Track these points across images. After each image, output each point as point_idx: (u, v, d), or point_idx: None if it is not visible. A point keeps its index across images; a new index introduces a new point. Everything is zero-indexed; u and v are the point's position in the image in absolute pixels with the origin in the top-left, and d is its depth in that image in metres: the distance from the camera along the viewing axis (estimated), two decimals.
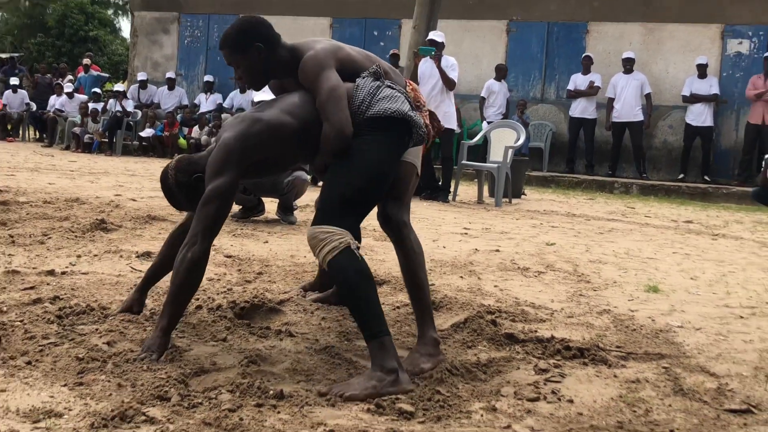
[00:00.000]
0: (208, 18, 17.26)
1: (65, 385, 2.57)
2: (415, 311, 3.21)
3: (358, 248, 2.87)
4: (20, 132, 18.00)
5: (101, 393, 2.52)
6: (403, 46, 14.28)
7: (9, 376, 2.63)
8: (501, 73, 14.04)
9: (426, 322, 3.12)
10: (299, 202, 6.94)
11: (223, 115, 15.39)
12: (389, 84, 3.13)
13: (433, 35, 9.56)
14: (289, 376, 2.80)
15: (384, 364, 2.68)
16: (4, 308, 3.38)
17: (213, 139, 3.20)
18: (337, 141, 2.96)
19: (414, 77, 9.56)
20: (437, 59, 9.30)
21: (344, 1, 16.01)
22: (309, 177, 7.21)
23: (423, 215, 7.66)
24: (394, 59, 13.62)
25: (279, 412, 2.45)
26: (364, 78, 3.11)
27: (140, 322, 3.29)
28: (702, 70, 13.26)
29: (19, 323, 3.17)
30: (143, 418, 2.34)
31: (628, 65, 13.51)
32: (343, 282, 2.83)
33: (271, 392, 2.58)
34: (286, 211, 6.75)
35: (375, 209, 3.18)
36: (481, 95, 13.97)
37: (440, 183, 9.66)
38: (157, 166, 12.97)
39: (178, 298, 2.92)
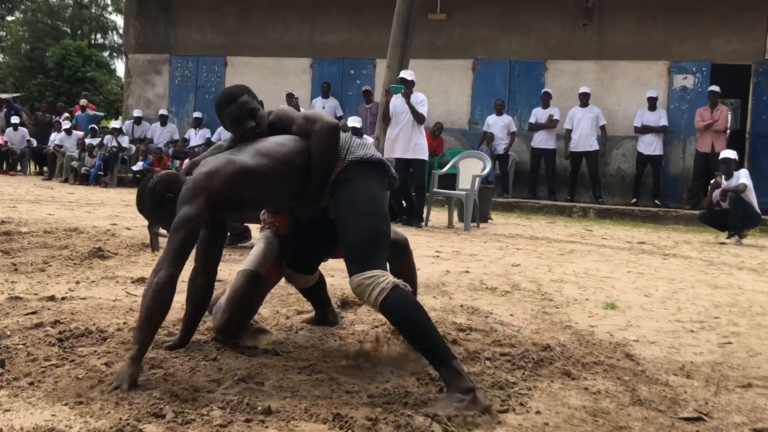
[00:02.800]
0: (197, 59, 17.28)
1: (66, 404, 2.54)
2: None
3: (405, 285, 2.80)
4: (21, 167, 17.85)
5: (100, 411, 2.48)
6: (377, 83, 14.35)
7: (13, 396, 2.58)
8: (498, 108, 14.21)
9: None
10: None
11: (211, 148, 15.35)
12: (354, 136, 3.21)
13: (403, 74, 9.62)
14: (275, 393, 2.78)
15: (461, 385, 2.62)
16: (8, 332, 3.34)
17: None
18: (330, 134, 2.97)
19: (386, 113, 9.61)
20: (407, 96, 9.36)
21: (323, 42, 16.09)
22: None
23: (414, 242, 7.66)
24: (367, 95, 13.73)
25: (267, 427, 2.43)
26: None
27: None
28: (652, 103, 13.44)
29: (22, 346, 3.13)
30: None
31: (584, 99, 13.66)
32: (401, 319, 2.76)
33: (260, 408, 2.55)
34: None
35: None
36: (483, 129, 14.16)
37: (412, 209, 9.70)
38: None
39: (147, 324, 2.77)
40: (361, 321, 3.96)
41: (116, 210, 9.87)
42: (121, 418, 2.39)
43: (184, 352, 3.22)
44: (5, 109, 18.69)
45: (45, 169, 17.41)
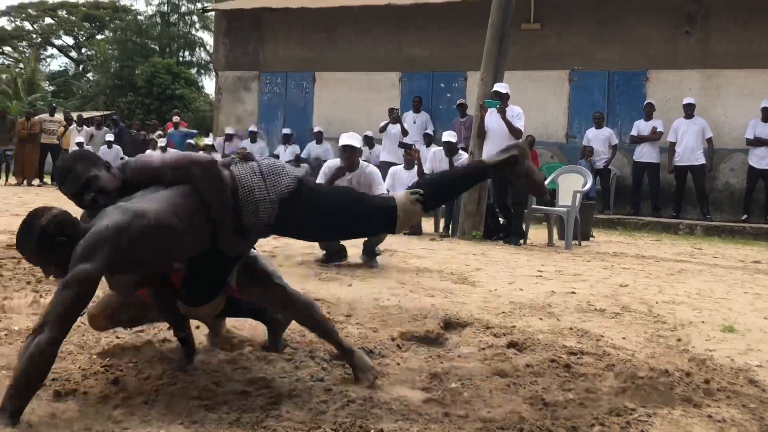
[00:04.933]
0: (285, 75, 17.63)
1: (182, 424, 2.63)
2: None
3: None
4: None
5: (215, 430, 2.56)
6: (468, 96, 14.33)
7: (129, 414, 2.69)
8: (597, 121, 14.01)
9: None
10: (382, 246, 6.97)
11: (301, 165, 15.62)
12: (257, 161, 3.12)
13: (497, 87, 9.56)
14: (386, 415, 2.80)
15: None
16: (118, 351, 3.48)
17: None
18: (214, 176, 2.90)
19: (481, 128, 9.60)
20: (502, 110, 9.32)
21: (412, 56, 16.19)
22: None
23: (496, 258, 7.63)
24: (461, 108, 13.67)
25: None
26: (237, 164, 3.06)
27: (247, 364, 3.34)
28: (766, 113, 12.96)
29: (132, 365, 3.26)
30: None
31: (689, 110, 13.29)
32: None
33: (372, 430, 2.59)
34: (370, 255, 6.74)
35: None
36: (583, 143, 13.99)
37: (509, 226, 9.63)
38: None
39: (24, 389, 2.51)
40: (467, 343, 3.96)
41: None
42: None
43: (292, 372, 3.29)
44: (104, 128, 19.46)
45: None
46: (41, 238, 2.71)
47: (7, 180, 19.92)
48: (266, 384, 3.08)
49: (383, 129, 14.11)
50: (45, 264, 2.80)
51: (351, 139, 6.73)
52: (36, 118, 19.60)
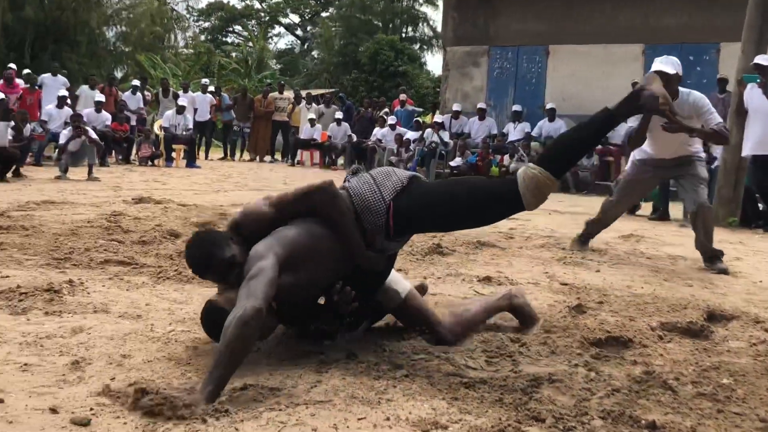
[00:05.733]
0: (517, 50, 17.56)
1: (443, 399, 2.73)
2: None
3: None
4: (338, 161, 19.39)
5: (478, 410, 2.64)
6: (721, 70, 13.60)
7: (392, 387, 2.84)
8: None
9: None
10: (626, 231, 6.77)
11: (532, 144, 15.53)
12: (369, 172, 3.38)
13: (758, 59, 8.98)
14: (655, 407, 2.76)
15: None
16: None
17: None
18: (331, 196, 3.18)
19: (740, 105, 9.08)
20: (763, 85, 8.76)
21: (658, 26, 15.56)
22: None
23: (758, 247, 7.23)
24: (721, 84, 12.86)
25: None
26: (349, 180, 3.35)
27: (510, 346, 3.41)
28: None
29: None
30: None
31: None
32: None
33: (643, 422, 2.56)
34: (710, 260, 5.89)
35: None
36: None
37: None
38: None
39: (226, 361, 2.62)
40: (736, 337, 3.80)
41: None
42: (500, 419, 2.53)
43: (548, 353, 3.32)
44: (333, 106, 20.36)
45: (363, 164, 18.71)
46: (221, 265, 3.08)
47: (241, 156, 21.36)
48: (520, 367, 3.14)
49: None
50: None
51: (665, 64, 5.73)
52: (270, 96, 20.82)
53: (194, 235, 3.30)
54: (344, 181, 3.36)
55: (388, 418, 2.51)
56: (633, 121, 5.75)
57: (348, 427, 2.42)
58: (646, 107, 3.32)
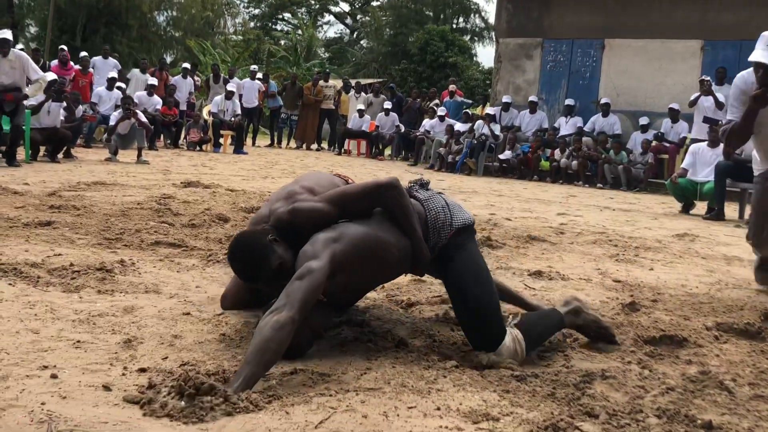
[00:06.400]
0: (571, 43, 17.39)
1: (494, 392, 2.73)
2: None
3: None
4: (386, 152, 19.38)
5: (530, 403, 2.63)
6: None
7: (442, 377, 2.84)
8: None
9: None
10: (681, 230, 6.69)
11: (584, 139, 15.38)
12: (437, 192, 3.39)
13: None
14: (710, 407, 2.73)
15: None
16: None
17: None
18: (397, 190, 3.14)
19: None
20: None
21: (718, 22, 15.29)
22: None
23: None
24: None
25: None
26: (418, 191, 3.36)
27: (562, 342, 3.39)
28: None
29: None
30: (577, 431, 2.41)
31: None
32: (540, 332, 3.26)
33: (699, 422, 2.53)
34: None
35: None
36: None
37: None
38: (518, 187, 13.30)
39: (257, 359, 2.57)
40: None
41: (490, 200, 10.31)
42: (553, 413, 2.52)
43: (598, 354, 3.29)
44: (381, 96, 20.37)
45: (411, 155, 18.69)
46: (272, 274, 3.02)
47: (288, 143, 21.48)
48: (572, 362, 3.12)
49: (693, 103, 13.44)
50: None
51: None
52: (319, 84, 20.89)
53: (235, 243, 3.08)
54: (410, 189, 3.36)
55: (438, 408, 2.51)
56: (732, 115, 4.78)
57: (398, 415, 2.42)
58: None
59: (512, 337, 3.09)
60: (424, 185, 3.42)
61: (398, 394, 2.60)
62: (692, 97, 13.52)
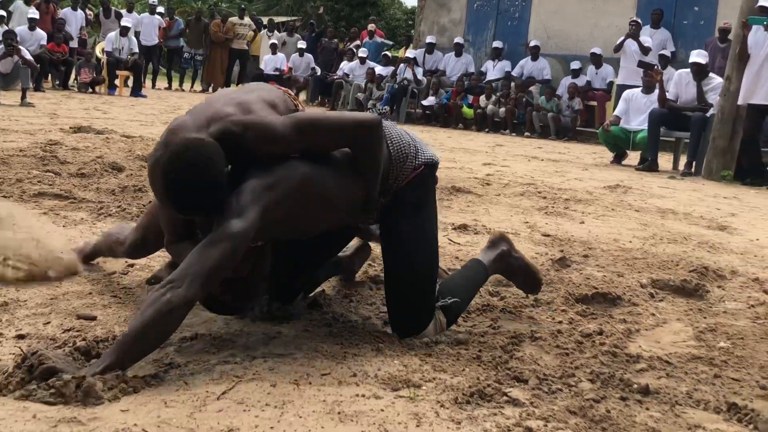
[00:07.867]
0: None
1: (416, 356, 2.68)
2: None
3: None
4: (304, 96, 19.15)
5: (454, 368, 2.59)
6: (721, 12, 13.59)
7: (359, 341, 2.78)
8: None
9: None
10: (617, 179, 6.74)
11: (512, 84, 15.45)
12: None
13: (763, 1, 8.97)
14: (647, 369, 2.74)
15: None
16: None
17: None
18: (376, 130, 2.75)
19: (744, 49, 9.06)
20: None
21: None
22: None
23: (754, 203, 7.26)
24: (723, 33, 12.62)
25: (647, 409, 2.40)
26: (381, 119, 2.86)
27: (488, 300, 3.37)
28: None
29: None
30: (505, 398, 2.38)
31: None
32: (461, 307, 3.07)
33: (636, 386, 2.54)
34: None
35: None
36: None
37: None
38: (442, 135, 13.30)
39: (133, 342, 2.26)
40: (733, 298, 3.80)
41: None
42: (479, 378, 2.48)
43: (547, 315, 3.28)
44: (296, 35, 20.05)
45: (328, 100, 18.50)
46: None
47: (192, 86, 21.03)
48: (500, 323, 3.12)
49: (618, 47, 13.52)
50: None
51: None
52: (229, 21, 20.45)
53: (174, 156, 2.44)
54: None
55: (354, 374, 2.45)
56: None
57: (310, 383, 2.35)
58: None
59: (434, 318, 2.95)
60: (382, 115, 3.21)
61: (310, 360, 2.54)
62: (617, 42, 13.60)
